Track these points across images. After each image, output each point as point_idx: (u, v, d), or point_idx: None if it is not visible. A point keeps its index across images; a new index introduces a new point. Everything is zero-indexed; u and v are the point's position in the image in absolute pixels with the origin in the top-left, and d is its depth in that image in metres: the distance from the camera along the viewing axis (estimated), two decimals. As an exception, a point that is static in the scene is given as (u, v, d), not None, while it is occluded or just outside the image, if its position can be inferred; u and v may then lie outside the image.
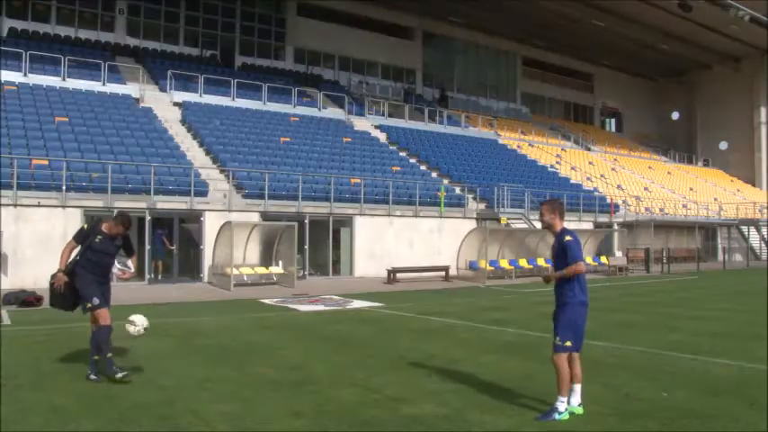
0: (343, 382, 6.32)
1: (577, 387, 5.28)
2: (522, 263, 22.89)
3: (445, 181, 26.39)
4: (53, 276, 6.36)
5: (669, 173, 47.09)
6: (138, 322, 6.54)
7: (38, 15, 30.27)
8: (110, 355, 6.19)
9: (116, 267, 6.61)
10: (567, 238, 5.23)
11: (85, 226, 6.51)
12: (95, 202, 16.85)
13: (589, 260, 25.42)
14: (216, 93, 28.37)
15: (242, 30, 36.00)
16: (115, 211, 16.70)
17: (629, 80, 56.73)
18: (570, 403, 5.23)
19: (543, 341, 8.97)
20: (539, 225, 25.06)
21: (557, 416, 5.10)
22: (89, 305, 6.23)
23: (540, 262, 23.42)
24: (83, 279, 6.26)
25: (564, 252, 5.22)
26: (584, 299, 5.28)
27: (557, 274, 5.27)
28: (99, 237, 6.35)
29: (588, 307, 5.32)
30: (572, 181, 33.52)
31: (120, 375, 6.08)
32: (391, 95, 38.80)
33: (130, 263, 6.68)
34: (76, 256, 6.38)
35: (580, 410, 5.25)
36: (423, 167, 27.86)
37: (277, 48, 37.33)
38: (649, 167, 46.37)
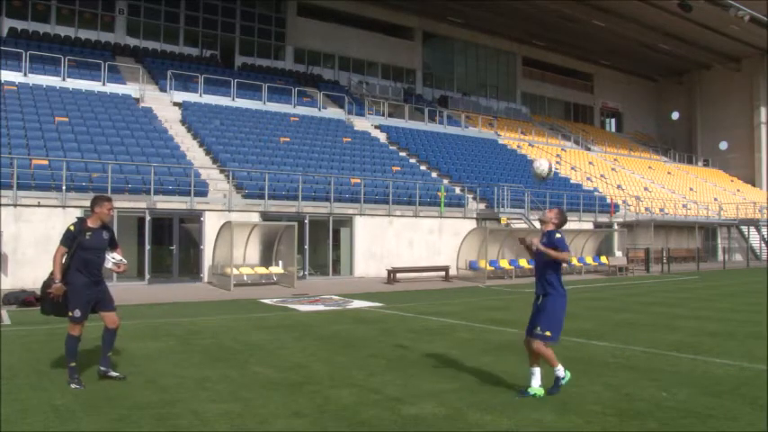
0: (343, 382, 6.32)
1: (537, 370, 5.78)
2: (522, 263, 22.87)
3: (445, 181, 26.40)
4: (46, 285, 6.15)
5: (669, 173, 47.10)
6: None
7: (38, 15, 30.29)
8: (73, 364, 6.07)
9: (110, 263, 6.38)
10: (558, 235, 5.78)
11: (72, 227, 6.17)
12: (95, 202, 16.81)
13: (589, 260, 25.43)
14: (216, 93, 28.40)
15: (242, 30, 36.03)
16: (115, 211, 16.74)
17: (629, 80, 56.76)
18: (532, 385, 5.74)
19: (543, 341, 8.98)
20: (539, 225, 25.16)
21: (563, 381, 5.77)
22: (71, 314, 6.07)
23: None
24: (75, 284, 6.07)
25: (553, 245, 5.71)
26: (564, 291, 5.81)
27: (541, 247, 5.70)
28: (88, 233, 6.13)
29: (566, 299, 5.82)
30: (572, 181, 33.54)
31: (74, 386, 5.97)
32: (391, 95, 38.82)
33: (119, 255, 6.47)
34: (68, 258, 6.14)
35: (541, 392, 5.71)
36: (423, 167, 27.86)
37: (277, 48, 37.35)
38: (649, 167, 46.39)
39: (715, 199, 41.24)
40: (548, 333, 5.61)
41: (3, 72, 23.15)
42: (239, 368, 6.99)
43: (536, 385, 5.75)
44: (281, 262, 18.66)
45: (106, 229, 6.33)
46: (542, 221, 6.05)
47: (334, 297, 15.09)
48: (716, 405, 5.55)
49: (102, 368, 6.33)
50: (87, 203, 16.49)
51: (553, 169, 6.72)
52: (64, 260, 6.13)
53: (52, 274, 6.12)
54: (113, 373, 6.33)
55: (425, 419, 5.09)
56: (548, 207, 26.54)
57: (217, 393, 5.86)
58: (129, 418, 5.05)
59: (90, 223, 6.21)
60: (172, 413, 5.20)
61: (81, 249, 6.11)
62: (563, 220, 5.98)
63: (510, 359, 7.56)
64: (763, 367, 7.12)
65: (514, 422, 5.03)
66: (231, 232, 17.00)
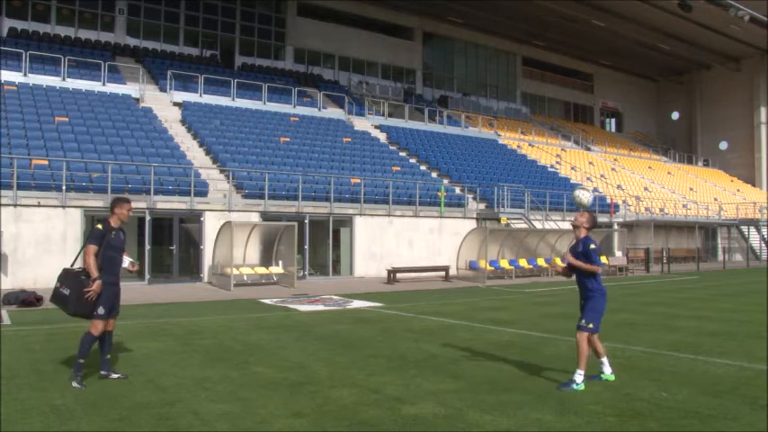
0: (344, 382, 6.32)
1: (605, 359, 6.37)
2: (522, 263, 22.88)
3: (445, 181, 26.40)
4: (78, 285, 6.06)
5: (669, 173, 47.09)
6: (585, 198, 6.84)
7: (38, 15, 30.29)
8: (82, 361, 6.08)
9: (126, 262, 6.49)
10: (592, 246, 6.27)
11: (100, 226, 6.24)
12: (95, 202, 16.85)
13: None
14: (216, 93, 28.41)
15: (242, 30, 36.03)
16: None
17: (629, 80, 56.77)
18: (604, 372, 6.35)
19: (543, 341, 8.98)
20: (539, 225, 25.26)
21: (575, 386, 5.97)
22: (95, 312, 6.12)
23: (540, 262, 23.42)
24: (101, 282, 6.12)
25: (587, 254, 6.25)
26: (605, 290, 6.33)
27: (576, 262, 6.27)
28: (113, 232, 6.25)
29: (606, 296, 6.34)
30: (572, 181, 33.50)
31: (75, 384, 5.98)
32: (391, 95, 38.82)
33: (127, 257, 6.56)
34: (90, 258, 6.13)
35: (612, 377, 6.32)
36: (423, 167, 27.86)
37: (277, 48, 37.35)
38: (649, 167, 46.39)
39: (715, 199, 41.24)
40: (590, 325, 6.11)
41: (3, 72, 23.15)
42: (239, 368, 6.99)
43: (608, 372, 6.35)
44: (281, 262, 18.66)
45: (122, 230, 6.45)
46: (575, 226, 6.47)
47: (334, 297, 15.09)
48: (716, 405, 5.55)
49: (102, 372, 6.36)
50: (87, 203, 16.66)
51: (591, 199, 6.99)
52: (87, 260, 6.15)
53: (75, 273, 6.16)
54: (115, 375, 6.36)
55: (425, 419, 5.09)
56: (548, 207, 26.71)
57: (217, 393, 5.86)
58: (129, 418, 5.05)
59: (112, 223, 6.32)
60: (172, 413, 5.21)
61: (107, 248, 6.19)
62: (594, 224, 6.43)
63: (510, 359, 7.56)
64: (763, 367, 7.13)
65: (514, 422, 5.04)
66: (231, 232, 17.00)
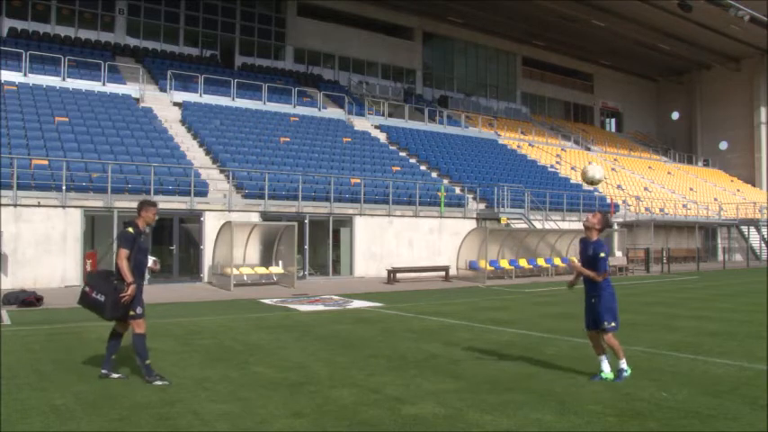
0: (344, 382, 6.32)
1: (604, 358, 6.42)
2: (522, 263, 22.88)
3: (445, 181, 26.40)
4: (112, 290, 6.05)
5: (669, 173, 47.10)
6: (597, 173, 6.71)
7: (38, 15, 30.28)
8: (148, 362, 6.21)
9: (150, 260, 6.55)
10: (602, 254, 6.23)
11: (131, 230, 6.23)
12: (95, 202, 16.85)
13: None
14: (216, 93, 28.40)
15: (242, 30, 36.02)
16: (115, 211, 16.76)
17: (629, 80, 56.76)
18: (603, 370, 6.38)
19: (543, 341, 8.97)
20: (539, 225, 25.25)
21: (625, 374, 6.29)
22: (133, 312, 6.18)
23: (540, 262, 23.43)
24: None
25: (595, 259, 6.25)
26: (613, 289, 6.42)
27: (585, 271, 6.30)
28: (142, 236, 6.31)
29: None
30: (572, 181, 33.51)
31: (158, 383, 6.07)
32: (391, 95, 38.81)
33: None
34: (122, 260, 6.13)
35: (611, 376, 6.35)
36: (423, 167, 27.86)
37: (277, 48, 37.35)
38: (649, 167, 46.39)
39: (715, 199, 41.24)
40: (613, 324, 6.26)
41: (3, 72, 23.15)
42: (239, 368, 6.99)
43: (607, 370, 6.39)
44: (281, 262, 18.66)
45: (146, 233, 6.53)
46: (586, 227, 6.42)
47: (334, 297, 15.09)
48: (716, 405, 5.55)
49: (103, 371, 6.38)
50: (87, 203, 16.66)
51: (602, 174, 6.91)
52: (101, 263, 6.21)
53: (104, 277, 6.19)
54: (115, 375, 6.39)
55: (425, 419, 5.09)
56: (548, 207, 26.70)
57: (217, 393, 5.86)
58: (129, 418, 5.05)
59: (141, 225, 6.36)
60: (172, 413, 5.21)
61: (138, 252, 6.23)
62: (605, 225, 6.40)
63: (510, 359, 7.56)
64: (763, 367, 7.13)
65: (514, 422, 5.04)
66: (231, 232, 17.00)
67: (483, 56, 47.04)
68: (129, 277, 6.05)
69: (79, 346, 8.31)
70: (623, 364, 6.34)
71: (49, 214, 16.10)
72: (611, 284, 6.42)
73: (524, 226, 24.18)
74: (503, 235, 22.55)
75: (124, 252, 6.11)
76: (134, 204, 18.36)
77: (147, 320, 6.42)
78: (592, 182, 6.85)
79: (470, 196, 25.24)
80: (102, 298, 6.11)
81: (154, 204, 6.55)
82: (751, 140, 51.67)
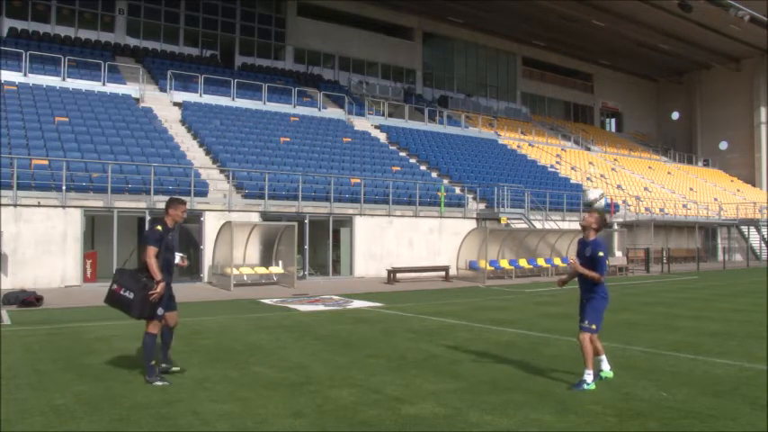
0: (344, 382, 6.32)
1: (604, 357, 6.43)
2: (522, 263, 22.88)
3: (445, 181, 26.40)
4: (140, 287, 6.03)
5: (669, 173, 47.10)
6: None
7: (38, 15, 30.28)
8: (153, 362, 6.21)
9: (177, 257, 6.56)
10: (600, 253, 6.18)
11: (159, 228, 6.22)
12: (95, 202, 16.85)
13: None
14: (216, 93, 28.40)
15: (242, 30, 36.02)
16: (115, 211, 16.76)
17: (629, 80, 56.76)
18: (603, 369, 6.40)
19: (543, 341, 8.97)
20: (539, 225, 25.25)
21: (585, 386, 6.02)
22: (156, 313, 6.20)
23: (540, 262, 23.43)
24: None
25: (594, 260, 6.18)
26: (607, 293, 6.34)
27: (587, 272, 6.18)
28: (170, 234, 6.31)
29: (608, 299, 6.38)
30: (572, 181, 33.51)
31: (159, 383, 6.07)
32: (391, 95, 38.81)
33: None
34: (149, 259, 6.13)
35: (611, 374, 6.40)
36: (423, 167, 27.86)
37: (277, 48, 37.35)
38: (649, 167, 46.39)
39: (715, 199, 41.25)
40: (593, 326, 6.20)
41: (3, 72, 23.14)
42: (239, 368, 6.99)
43: (606, 369, 6.42)
44: (281, 262, 18.65)
45: (174, 230, 6.54)
46: (583, 227, 6.35)
47: (334, 297, 15.09)
48: (716, 405, 5.55)
49: (164, 365, 6.48)
50: (87, 203, 16.66)
51: (601, 199, 6.92)
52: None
53: (132, 274, 6.18)
54: (174, 368, 6.56)
55: (425, 419, 5.10)
56: (548, 207, 26.70)
57: (217, 393, 5.86)
58: (129, 418, 5.05)
59: (169, 223, 6.36)
60: (172, 413, 5.21)
61: (165, 249, 6.24)
62: (603, 225, 6.32)
63: (510, 359, 7.56)
64: (763, 367, 7.13)
65: (514, 422, 5.04)
66: (231, 232, 17.00)
67: (483, 56, 47.04)
68: (158, 275, 6.07)
69: (79, 346, 8.31)
70: (588, 375, 6.05)
71: (49, 214, 16.09)
72: (607, 291, 6.33)
73: (524, 226, 24.18)
74: (503, 235, 22.55)
75: (153, 250, 6.11)
76: (134, 204, 18.36)
77: (173, 317, 6.52)
78: (590, 204, 6.96)
79: (470, 196, 25.23)
80: (130, 295, 6.08)
81: (183, 202, 6.53)
82: (751, 140, 51.68)
